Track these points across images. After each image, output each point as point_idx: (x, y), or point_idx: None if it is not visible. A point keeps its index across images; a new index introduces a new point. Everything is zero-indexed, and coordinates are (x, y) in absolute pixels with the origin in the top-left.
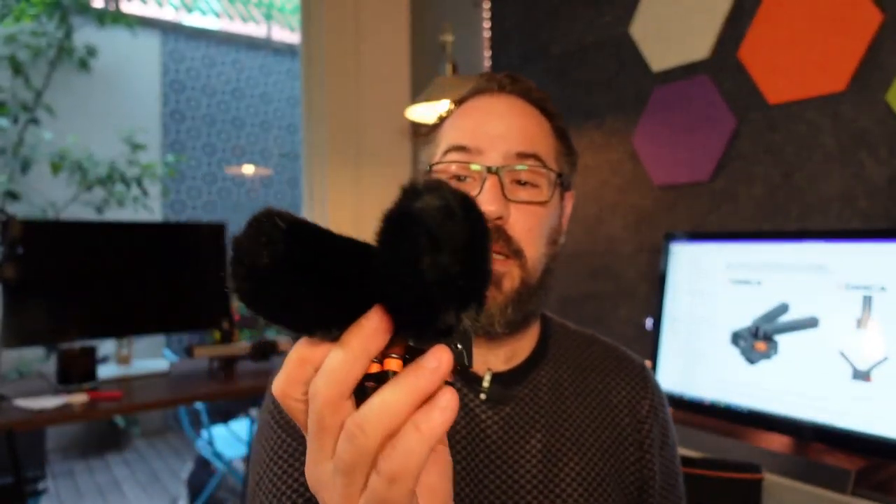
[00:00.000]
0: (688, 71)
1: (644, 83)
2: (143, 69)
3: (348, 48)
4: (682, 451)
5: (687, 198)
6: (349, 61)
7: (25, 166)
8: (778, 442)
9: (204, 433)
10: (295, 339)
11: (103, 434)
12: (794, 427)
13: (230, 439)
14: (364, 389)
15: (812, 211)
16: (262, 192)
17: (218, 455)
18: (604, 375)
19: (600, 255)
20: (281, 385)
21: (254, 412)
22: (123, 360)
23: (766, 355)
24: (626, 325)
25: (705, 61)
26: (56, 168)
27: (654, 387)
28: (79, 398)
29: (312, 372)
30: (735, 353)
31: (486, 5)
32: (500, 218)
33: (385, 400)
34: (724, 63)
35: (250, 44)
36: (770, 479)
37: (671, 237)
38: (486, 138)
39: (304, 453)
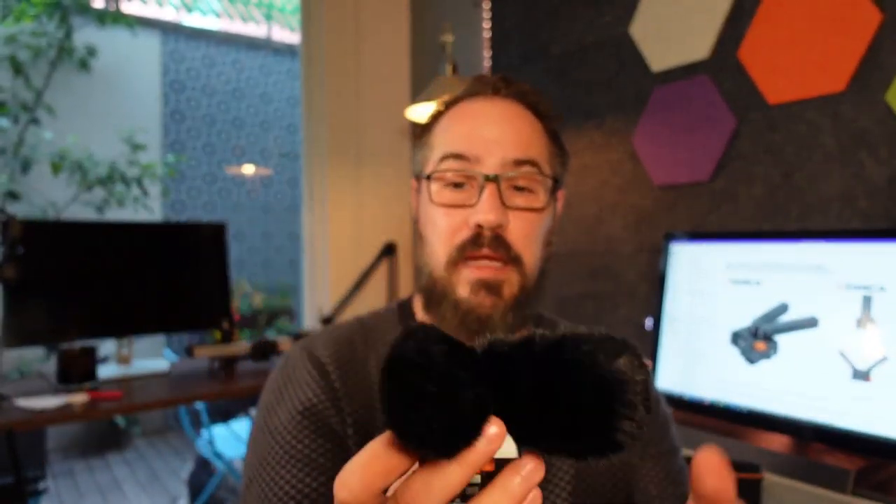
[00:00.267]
0: (688, 71)
1: (644, 83)
2: (143, 69)
3: (348, 48)
4: (683, 451)
5: (687, 198)
6: (349, 61)
7: (26, 166)
8: (778, 442)
9: (204, 433)
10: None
11: (104, 434)
12: (794, 427)
13: (230, 439)
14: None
15: (812, 211)
16: (262, 192)
17: (218, 455)
18: None
19: (600, 255)
20: (357, 493)
21: (253, 412)
22: (124, 360)
23: (766, 355)
24: (626, 325)
25: (705, 61)
26: (56, 168)
27: None
28: (79, 398)
29: (394, 479)
30: (735, 353)
31: (486, 5)
32: (499, 226)
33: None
34: (724, 63)
35: (250, 44)
36: (770, 478)
37: (671, 237)
38: (482, 145)
39: (290, 461)
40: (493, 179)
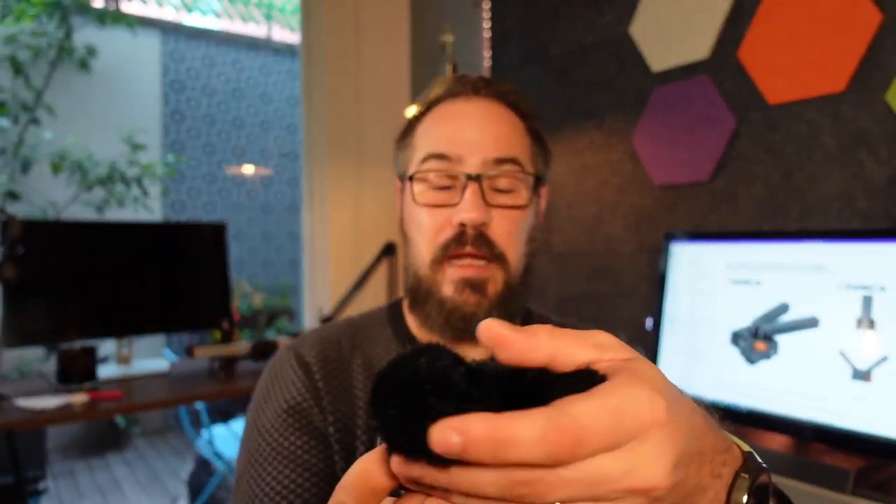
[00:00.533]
0: (688, 71)
1: (644, 83)
2: (143, 69)
3: (348, 48)
4: None
5: (687, 198)
6: (349, 61)
7: (26, 166)
8: (778, 442)
9: (204, 433)
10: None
11: (104, 434)
12: (794, 427)
13: (230, 439)
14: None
15: (812, 211)
16: (262, 192)
17: (218, 455)
18: None
19: (600, 255)
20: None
21: None
22: (124, 360)
23: (766, 355)
24: (626, 325)
25: (705, 61)
26: (56, 168)
27: None
28: (79, 398)
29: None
30: (735, 353)
31: (486, 5)
32: (482, 224)
33: None
34: (724, 63)
35: (250, 44)
36: None
37: (671, 237)
38: (464, 145)
39: (277, 458)
40: (476, 178)
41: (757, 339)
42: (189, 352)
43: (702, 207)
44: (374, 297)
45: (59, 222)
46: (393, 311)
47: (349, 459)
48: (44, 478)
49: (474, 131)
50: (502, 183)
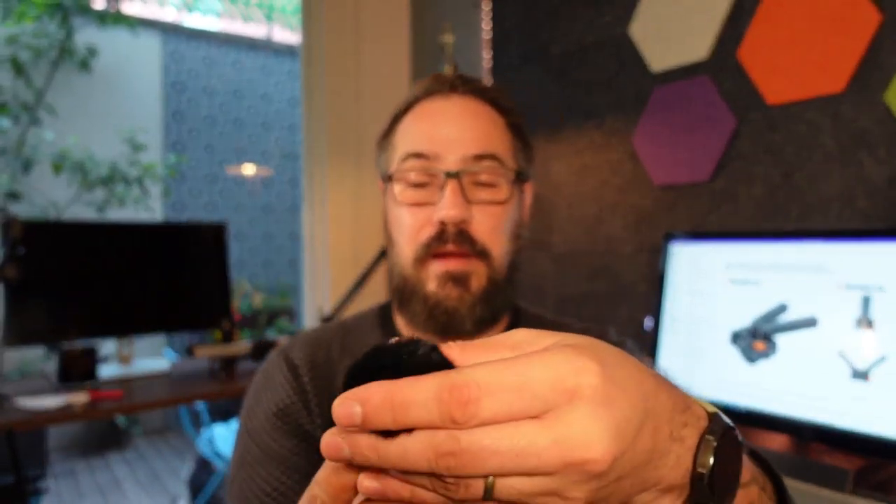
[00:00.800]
0: (688, 71)
1: (644, 83)
2: (144, 70)
3: (348, 48)
4: None
5: (687, 198)
6: (349, 61)
7: (27, 166)
8: (777, 441)
9: (204, 432)
10: None
11: (104, 433)
12: (794, 427)
13: (231, 439)
14: None
15: (812, 211)
16: (262, 193)
17: (218, 454)
18: None
19: (600, 255)
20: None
21: None
22: (124, 360)
23: (766, 355)
24: (626, 325)
25: (705, 61)
26: (57, 168)
27: None
28: (80, 398)
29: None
30: (735, 352)
31: (486, 5)
32: (463, 221)
33: None
34: (723, 63)
35: (251, 44)
36: None
37: (671, 237)
38: (442, 143)
39: (266, 460)
40: (455, 175)
41: (756, 339)
42: (189, 352)
43: (702, 207)
44: (373, 298)
45: (60, 222)
46: (383, 313)
47: None
48: (44, 477)
49: (452, 128)
50: (482, 179)
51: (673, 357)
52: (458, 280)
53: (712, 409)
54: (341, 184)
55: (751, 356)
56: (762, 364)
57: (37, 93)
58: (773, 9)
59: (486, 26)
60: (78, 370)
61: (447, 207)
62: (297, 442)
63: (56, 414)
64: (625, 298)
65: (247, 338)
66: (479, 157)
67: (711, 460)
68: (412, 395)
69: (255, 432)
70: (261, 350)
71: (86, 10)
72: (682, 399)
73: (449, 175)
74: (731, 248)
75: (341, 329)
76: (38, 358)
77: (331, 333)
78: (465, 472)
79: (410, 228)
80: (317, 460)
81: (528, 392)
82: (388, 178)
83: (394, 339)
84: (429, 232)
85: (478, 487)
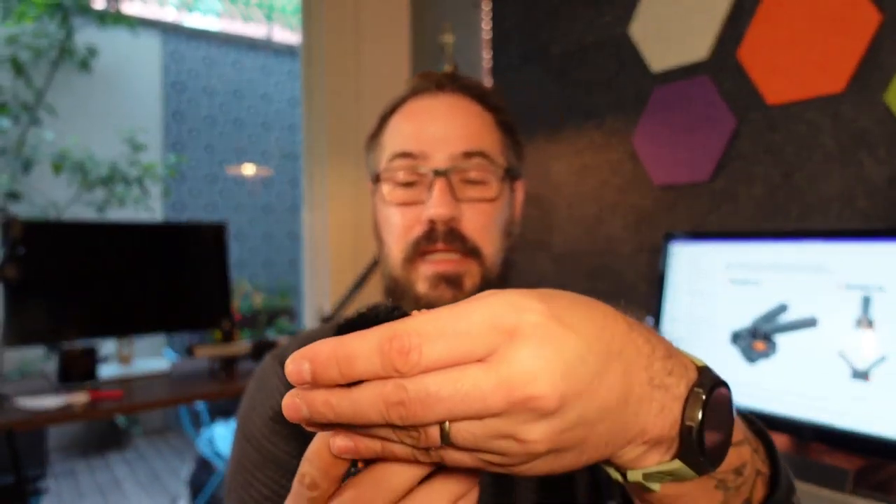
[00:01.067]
0: (688, 71)
1: (644, 83)
2: (144, 70)
3: (348, 48)
4: None
5: (687, 198)
6: (349, 61)
7: (27, 166)
8: (777, 441)
9: (204, 432)
10: None
11: (104, 433)
12: (794, 427)
13: (231, 439)
14: None
15: (812, 211)
16: (262, 193)
17: (218, 454)
18: None
19: (600, 255)
20: (318, 479)
21: None
22: (124, 360)
23: (766, 355)
24: None
25: (705, 61)
26: (57, 168)
27: None
28: (80, 398)
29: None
30: (735, 352)
31: (486, 5)
32: (452, 219)
33: None
34: (723, 63)
35: (251, 44)
36: None
37: (671, 237)
38: (430, 141)
39: (265, 463)
40: (443, 174)
41: (756, 339)
42: (190, 351)
43: (702, 207)
44: (373, 298)
45: (60, 222)
46: None
47: None
48: (44, 477)
49: (440, 127)
50: (471, 177)
51: None
52: (452, 281)
53: (701, 362)
54: (341, 184)
55: (751, 356)
56: (762, 364)
57: (37, 93)
58: (773, 9)
59: (486, 26)
60: (78, 370)
61: (436, 206)
62: (295, 445)
63: (56, 414)
64: (625, 298)
65: (247, 338)
66: (468, 155)
67: (700, 413)
68: (356, 348)
69: (252, 437)
70: (261, 350)
71: (86, 10)
72: (664, 346)
73: (437, 173)
74: (731, 248)
75: (336, 330)
76: (38, 358)
77: (326, 334)
78: (418, 421)
79: (399, 228)
80: None
81: (468, 336)
82: (376, 178)
83: (366, 306)
84: (418, 231)
85: (435, 434)
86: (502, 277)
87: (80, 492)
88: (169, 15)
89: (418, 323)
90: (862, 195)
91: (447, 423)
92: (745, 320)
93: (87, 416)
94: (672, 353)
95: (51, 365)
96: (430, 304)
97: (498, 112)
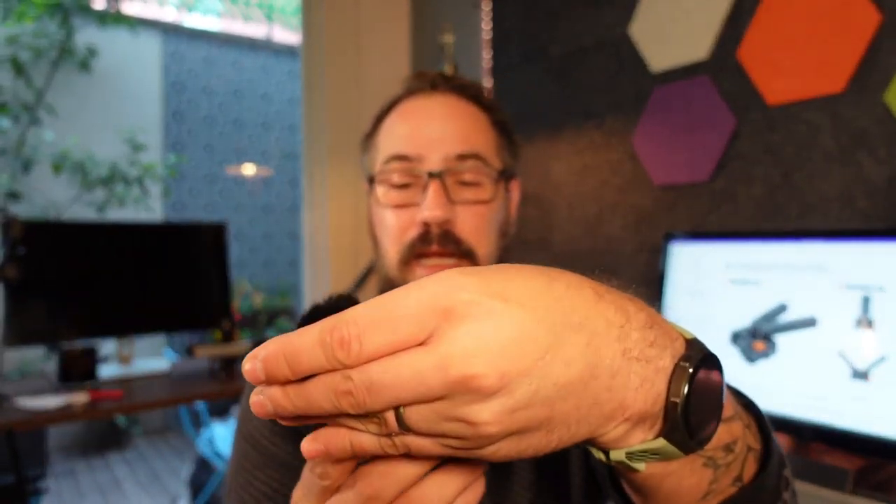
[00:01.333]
0: (688, 71)
1: (644, 83)
2: (144, 70)
3: (348, 48)
4: None
5: (687, 198)
6: (349, 61)
7: (27, 166)
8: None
9: (204, 432)
10: None
11: (104, 433)
12: (794, 427)
13: (231, 439)
14: None
15: (812, 211)
16: (262, 193)
17: (218, 454)
18: None
19: (600, 255)
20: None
21: None
22: (124, 360)
23: (766, 355)
24: None
25: (705, 61)
26: (57, 168)
27: None
28: (80, 398)
29: None
30: (735, 352)
31: (486, 6)
32: (446, 221)
33: None
34: (723, 63)
35: (251, 44)
36: None
37: (671, 237)
38: (424, 143)
39: (266, 462)
40: (437, 176)
41: (756, 339)
42: (190, 351)
43: (702, 207)
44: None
45: (61, 222)
46: None
47: None
48: (44, 477)
49: (434, 128)
50: (466, 179)
51: None
52: None
53: (690, 335)
54: (341, 184)
55: (751, 356)
56: (762, 364)
57: (37, 93)
58: (773, 9)
59: (486, 26)
60: (78, 370)
61: (430, 208)
62: (296, 445)
63: (56, 414)
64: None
65: (247, 338)
66: (462, 157)
67: (686, 389)
68: (299, 343)
69: (252, 438)
70: None
71: (86, 10)
72: (644, 315)
73: (431, 175)
74: (731, 248)
75: (297, 325)
76: (38, 358)
77: None
78: (368, 408)
79: (394, 230)
80: None
81: (406, 320)
82: (371, 180)
83: (323, 299)
84: (413, 233)
85: (393, 420)
86: None
87: (81, 492)
88: (169, 15)
89: (356, 312)
90: (862, 195)
91: (402, 408)
92: (744, 320)
93: (87, 416)
94: (655, 322)
95: (51, 365)
96: None
97: (493, 112)
